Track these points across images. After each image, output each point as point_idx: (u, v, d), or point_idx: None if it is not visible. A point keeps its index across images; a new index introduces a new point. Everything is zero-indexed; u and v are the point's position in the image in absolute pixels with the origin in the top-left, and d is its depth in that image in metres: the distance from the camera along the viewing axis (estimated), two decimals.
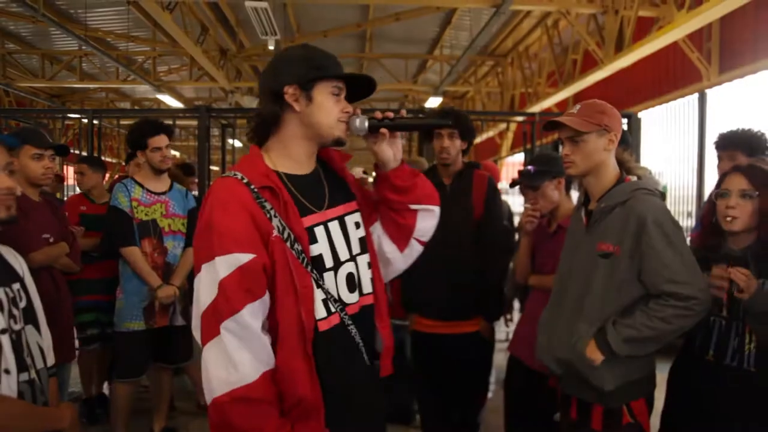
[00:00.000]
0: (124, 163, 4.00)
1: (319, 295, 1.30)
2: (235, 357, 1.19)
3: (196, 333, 1.27)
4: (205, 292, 1.23)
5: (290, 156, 1.37)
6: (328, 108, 1.34)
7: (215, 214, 1.25)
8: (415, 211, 1.50)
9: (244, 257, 1.22)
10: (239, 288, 1.21)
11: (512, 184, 2.66)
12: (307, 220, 1.33)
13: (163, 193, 3.09)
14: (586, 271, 1.80)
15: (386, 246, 1.53)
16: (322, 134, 1.36)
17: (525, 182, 2.46)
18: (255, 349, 1.22)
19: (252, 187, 1.27)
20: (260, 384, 1.21)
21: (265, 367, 1.23)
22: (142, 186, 3.03)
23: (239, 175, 1.29)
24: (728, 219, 1.80)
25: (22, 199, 2.47)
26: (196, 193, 4.50)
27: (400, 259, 1.56)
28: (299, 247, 1.28)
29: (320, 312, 1.30)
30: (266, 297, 1.25)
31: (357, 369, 1.37)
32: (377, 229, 1.53)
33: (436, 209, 1.56)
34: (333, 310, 1.32)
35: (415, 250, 1.57)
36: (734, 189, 1.81)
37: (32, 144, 2.56)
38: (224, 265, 1.21)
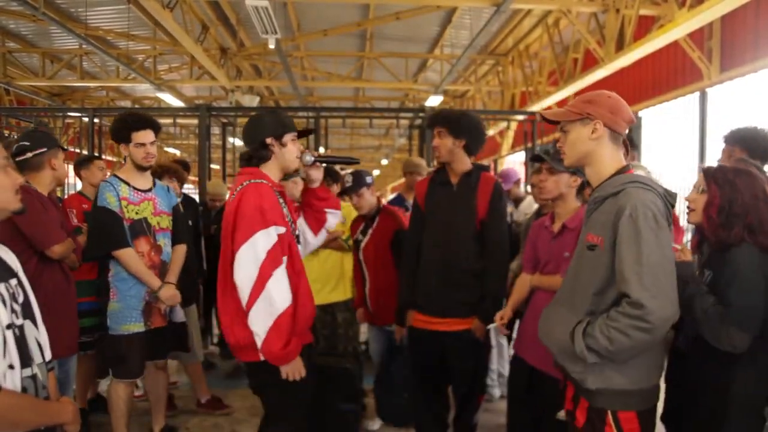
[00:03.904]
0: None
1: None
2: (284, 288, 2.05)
3: (247, 282, 1.98)
4: (263, 248, 2.00)
5: (272, 177, 2.23)
6: (291, 150, 2.23)
7: (263, 201, 2.05)
8: (327, 212, 2.47)
9: (281, 230, 2.08)
10: (283, 247, 2.08)
11: (534, 159, 2.64)
12: (295, 217, 2.34)
13: (149, 190, 2.99)
14: (577, 261, 1.77)
15: (307, 233, 2.46)
16: (289, 167, 2.27)
17: (548, 161, 2.42)
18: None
19: (275, 189, 2.16)
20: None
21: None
22: (127, 183, 2.90)
23: (265, 182, 2.14)
24: (688, 211, 1.97)
25: (39, 195, 2.74)
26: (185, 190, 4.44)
27: (313, 242, 2.50)
28: (293, 227, 2.25)
29: None
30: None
31: None
32: (301, 222, 2.44)
33: (339, 212, 2.53)
34: None
35: (322, 236, 2.51)
36: (695, 185, 1.98)
37: (63, 150, 2.90)
38: (274, 231, 2.04)
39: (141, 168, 2.93)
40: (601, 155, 1.72)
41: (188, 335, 3.21)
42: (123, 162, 3.03)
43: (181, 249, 3.09)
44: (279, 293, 2.00)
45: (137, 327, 2.87)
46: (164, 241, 3.00)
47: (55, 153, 2.82)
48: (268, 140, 2.20)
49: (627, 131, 1.75)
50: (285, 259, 2.08)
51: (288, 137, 2.22)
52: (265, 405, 2.30)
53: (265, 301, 1.97)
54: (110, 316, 2.87)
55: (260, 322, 1.97)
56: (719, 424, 1.82)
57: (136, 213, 2.89)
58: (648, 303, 1.49)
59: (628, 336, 1.52)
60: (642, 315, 1.50)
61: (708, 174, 1.93)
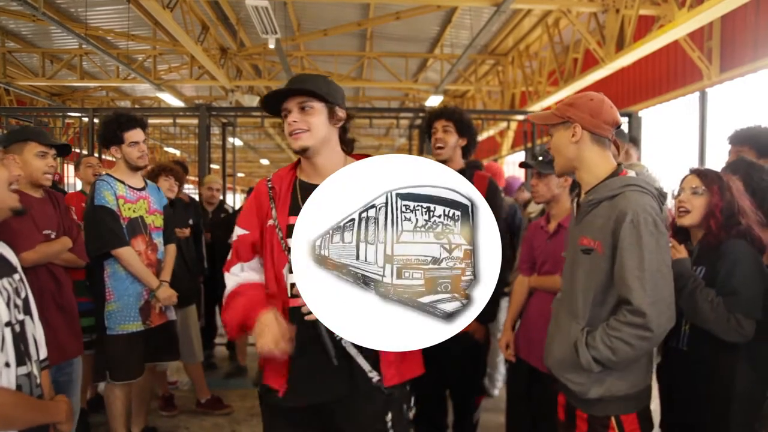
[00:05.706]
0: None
1: (290, 277, 1.60)
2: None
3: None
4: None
5: (303, 169, 1.73)
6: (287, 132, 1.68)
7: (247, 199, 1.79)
8: None
9: (241, 231, 1.71)
10: (234, 251, 1.72)
11: (522, 165, 2.66)
12: (292, 219, 1.62)
13: (143, 189, 2.99)
14: (571, 265, 1.75)
15: None
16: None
17: (534, 166, 2.46)
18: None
19: (270, 184, 1.72)
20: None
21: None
22: (122, 182, 2.89)
23: (269, 176, 1.76)
24: (681, 213, 1.99)
25: (22, 196, 2.49)
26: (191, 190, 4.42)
27: None
28: (281, 235, 1.64)
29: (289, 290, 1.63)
30: (254, 261, 1.72)
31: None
32: None
33: None
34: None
35: None
36: (687, 187, 2.00)
37: (37, 141, 2.52)
38: (235, 233, 1.72)
39: (135, 168, 2.92)
40: (586, 158, 1.70)
41: (177, 336, 3.16)
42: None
43: (172, 248, 3.10)
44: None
45: (136, 326, 2.84)
46: (159, 240, 3.01)
47: (14, 149, 2.49)
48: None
49: (613, 132, 1.71)
50: (241, 265, 1.71)
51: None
52: None
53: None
54: (108, 316, 2.82)
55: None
56: (724, 420, 1.84)
57: (133, 211, 2.88)
58: (648, 310, 1.50)
59: (631, 345, 1.53)
60: (644, 323, 1.50)
61: (706, 177, 1.97)
